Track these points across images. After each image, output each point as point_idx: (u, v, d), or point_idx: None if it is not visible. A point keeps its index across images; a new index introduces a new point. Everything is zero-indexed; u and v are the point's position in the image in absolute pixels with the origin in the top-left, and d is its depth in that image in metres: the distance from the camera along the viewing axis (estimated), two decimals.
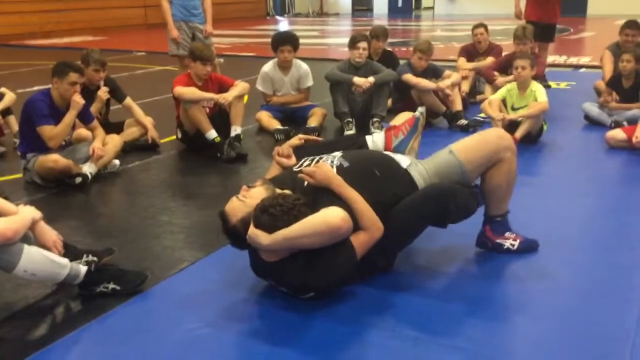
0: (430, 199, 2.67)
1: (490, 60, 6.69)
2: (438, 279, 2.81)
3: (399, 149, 3.08)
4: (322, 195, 2.57)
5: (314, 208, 2.50)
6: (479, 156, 2.87)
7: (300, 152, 3.04)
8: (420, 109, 3.20)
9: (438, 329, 2.39)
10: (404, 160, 2.91)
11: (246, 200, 2.57)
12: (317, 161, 2.79)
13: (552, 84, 7.24)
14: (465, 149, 2.90)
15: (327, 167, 2.64)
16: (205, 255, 3.10)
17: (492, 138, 2.95)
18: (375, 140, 3.15)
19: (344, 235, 2.45)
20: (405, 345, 2.29)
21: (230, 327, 2.45)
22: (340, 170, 2.69)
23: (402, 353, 2.24)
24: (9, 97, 5.35)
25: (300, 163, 2.85)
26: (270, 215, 2.41)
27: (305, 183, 2.66)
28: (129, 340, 2.38)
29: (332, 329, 2.41)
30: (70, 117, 4.22)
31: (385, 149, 3.10)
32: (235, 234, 2.58)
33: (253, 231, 2.45)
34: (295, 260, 2.48)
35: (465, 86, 6.36)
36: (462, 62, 6.83)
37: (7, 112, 5.30)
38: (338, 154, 2.85)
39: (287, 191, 2.63)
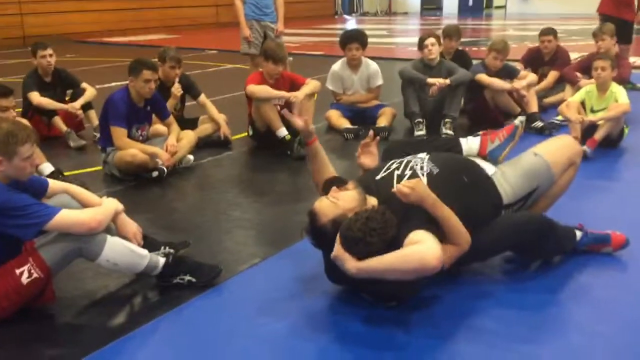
0: (528, 229, 2.69)
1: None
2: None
3: (494, 155, 3.05)
4: (412, 210, 2.45)
5: (403, 223, 2.39)
6: (564, 158, 2.96)
7: (389, 152, 3.02)
8: (521, 118, 3.23)
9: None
10: (489, 168, 2.88)
11: (338, 202, 2.49)
12: (406, 164, 2.72)
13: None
14: (548, 151, 2.95)
15: (421, 186, 2.46)
16: (277, 251, 3.14)
17: (570, 141, 3.10)
18: (470, 143, 3.11)
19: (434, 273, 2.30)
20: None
21: (301, 323, 2.47)
22: (430, 177, 2.64)
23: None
24: (90, 92, 5.58)
25: (388, 166, 2.76)
26: (367, 244, 2.29)
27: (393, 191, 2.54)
28: (204, 332, 2.43)
29: (407, 332, 2.40)
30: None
31: (480, 154, 3.08)
32: (322, 234, 2.49)
33: (341, 254, 2.34)
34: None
35: None
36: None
37: (87, 106, 5.53)
38: (425, 156, 2.79)
39: (374, 201, 2.56)
